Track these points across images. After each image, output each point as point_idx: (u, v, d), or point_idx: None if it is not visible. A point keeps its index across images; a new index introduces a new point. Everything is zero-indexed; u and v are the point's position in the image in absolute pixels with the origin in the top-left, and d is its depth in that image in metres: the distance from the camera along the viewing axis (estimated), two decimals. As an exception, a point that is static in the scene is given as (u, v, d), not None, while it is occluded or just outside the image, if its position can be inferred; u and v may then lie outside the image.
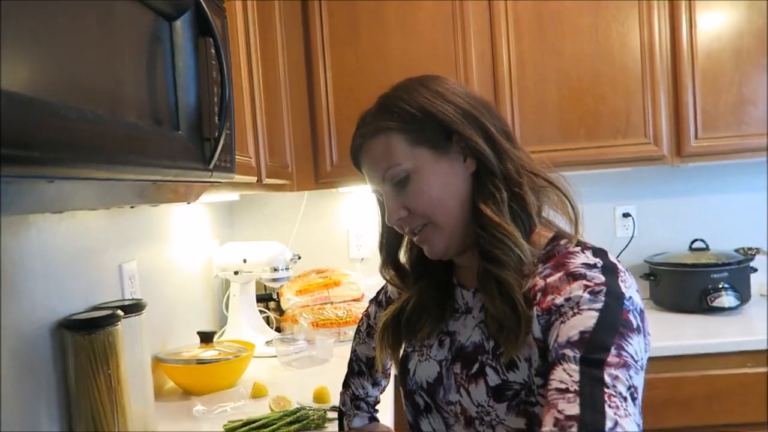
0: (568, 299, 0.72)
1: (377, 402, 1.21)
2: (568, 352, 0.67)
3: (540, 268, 0.79)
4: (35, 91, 0.47)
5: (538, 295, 0.76)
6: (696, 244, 2.17)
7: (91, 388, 1.13)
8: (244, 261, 1.90)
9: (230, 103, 0.89)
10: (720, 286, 2.00)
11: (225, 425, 1.30)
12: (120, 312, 1.18)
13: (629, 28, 1.96)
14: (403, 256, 0.95)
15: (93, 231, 1.30)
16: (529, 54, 1.97)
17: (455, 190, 0.83)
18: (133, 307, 1.26)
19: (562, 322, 0.70)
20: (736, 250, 2.14)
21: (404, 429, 0.99)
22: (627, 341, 0.67)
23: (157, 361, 1.53)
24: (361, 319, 1.20)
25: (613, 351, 0.65)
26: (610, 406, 0.61)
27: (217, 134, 0.85)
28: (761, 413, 1.76)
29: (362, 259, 2.36)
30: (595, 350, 0.66)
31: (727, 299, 1.98)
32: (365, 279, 2.18)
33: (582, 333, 0.67)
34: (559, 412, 0.62)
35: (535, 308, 0.75)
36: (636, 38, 1.96)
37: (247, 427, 1.28)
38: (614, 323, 0.68)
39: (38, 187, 0.62)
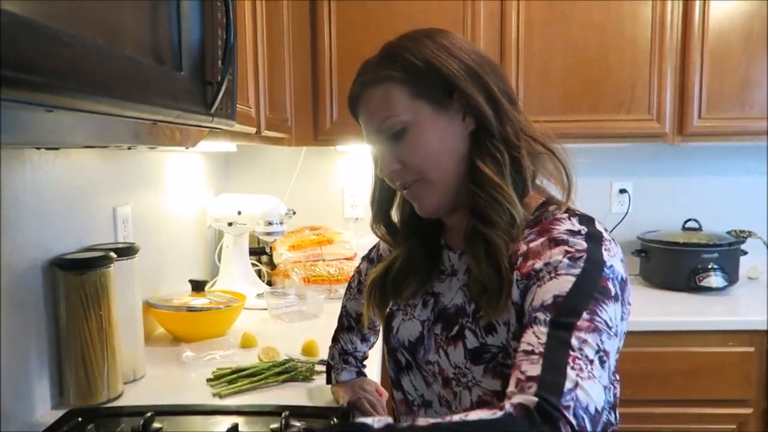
0: (547, 264, 0.71)
1: (365, 357, 1.23)
2: (540, 315, 0.66)
3: (526, 233, 0.78)
4: (38, 15, 0.45)
5: (519, 259, 0.75)
6: (689, 224, 2.18)
7: (82, 329, 1.13)
8: (239, 213, 1.89)
9: (234, 46, 0.87)
10: (709, 266, 2.02)
11: (214, 372, 1.32)
12: (113, 254, 1.18)
13: None
14: (395, 214, 0.95)
15: (88, 171, 1.29)
16: (537, 19, 1.94)
17: (451, 147, 0.81)
18: (126, 251, 1.26)
19: (538, 286, 0.70)
20: (728, 232, 2.15)
21: (389, 385, 1.01)
22: (602, 307, 0.66)
23: (148, 306, 1.53)
24: (353, 275, 1.21)
25: (585, 315, 0.64)
26: (572, 368, 0.60)
27: (219, 78, 0.83)
28: (738, 391, 1.80)
29: (356, 219, 2.36)
30: (566, 314, 0.65)
31: (715, 279, 2.00)
32: (358, 238, 2.18)
33: (556, 297, 0.67)
34: (522, 372, 0.62)
35: (515, 273, 0.75)
36: (648, 11, 1.92)
37: (236, 374, 1.29)
38: (590, 289, 0.67)
39: (37, 116, 0.61)
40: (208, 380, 1.29)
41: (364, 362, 1.23)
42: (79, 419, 1.10)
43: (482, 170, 0.79)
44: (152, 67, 0.68)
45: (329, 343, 1.23)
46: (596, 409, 0.59)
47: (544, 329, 0.65)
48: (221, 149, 1.96)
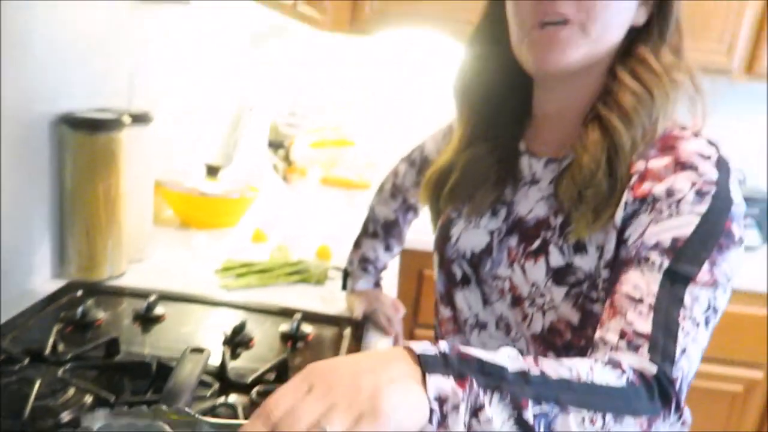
0: (669, 193, 0.61)
1: (385, 268, 1.14)
2: (655, 257, 0.58)
3: (644, 148, 0.66)
4: None
5: (634, 178, 0.64)
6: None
7: (88, 196, 1.04)
8: (259, 98, 1.76)
9: None
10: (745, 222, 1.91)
11: (224, 264, 1.24)
12: (127, 118, 1.07)
13: None
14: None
15: (105, 23, 1.15)
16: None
17: (625, 18, 0.68)
18: (141, 117, 1.14)
19: (654, 221, 0.61)
20: (774, 188, 2.02)
21: (437, 300, 0.91)
22: (724, 256, 0.58)
23: (158, 185, 1.44)
24: (387, 176, 1.10)
25: (705, 267, 0.57)
26: (682, 330, 0.55)
27: None
28: (751, 353, 1.74)
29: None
30: (685, 262, 0.57)
31: (750, 235, 1.90)
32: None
33: (675, 240, 0.58)
34: (628, 323, 0.56)
35: (627, 192, 0.64)
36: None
37: (246, 268, 1.22)
38: (714, 233, 0.58)
39: None
40: (216, 271, 1.22)
41: (382, 274, 1.14)
42: (80, 293, 1.03)
43: (643, 56, 0.67)
44: None
45: (344, 247, 1.14)
46: (691, 377, 0.54)
47: (657, 276, 0.57)
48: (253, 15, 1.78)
